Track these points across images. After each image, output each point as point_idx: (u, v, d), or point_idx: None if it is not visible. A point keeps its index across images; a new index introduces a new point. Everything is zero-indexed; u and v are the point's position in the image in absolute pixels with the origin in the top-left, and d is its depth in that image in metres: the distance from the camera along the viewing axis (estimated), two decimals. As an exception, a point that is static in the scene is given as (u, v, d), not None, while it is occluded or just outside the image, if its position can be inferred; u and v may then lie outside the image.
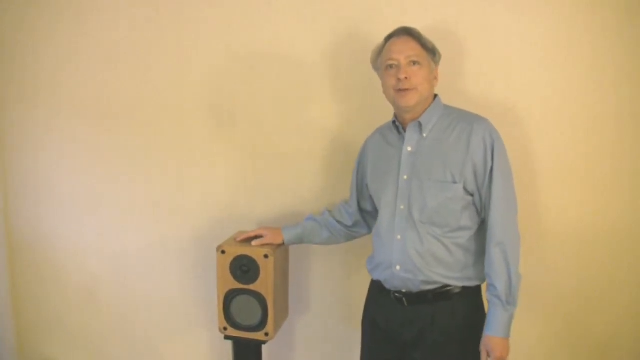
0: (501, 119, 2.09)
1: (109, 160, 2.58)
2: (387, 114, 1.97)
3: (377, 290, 1.90)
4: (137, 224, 2.59)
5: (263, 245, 2.02)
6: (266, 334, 2.05)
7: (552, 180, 2.12)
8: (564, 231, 2.14)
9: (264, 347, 2.16)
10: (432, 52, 1.76)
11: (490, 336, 1.67)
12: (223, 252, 2.02)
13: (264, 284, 2.00)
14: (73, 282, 2.73)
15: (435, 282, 1.73)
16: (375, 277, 1.89)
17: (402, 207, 1.76)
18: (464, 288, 1.75)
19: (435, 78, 1.80)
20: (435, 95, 1.82)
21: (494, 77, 2.11)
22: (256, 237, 2.07)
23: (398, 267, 1.75)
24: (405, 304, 1.78)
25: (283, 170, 2.36)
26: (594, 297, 2.17)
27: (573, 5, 2.02)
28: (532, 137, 2.10)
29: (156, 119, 2.48)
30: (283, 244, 2.08)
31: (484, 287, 1.79)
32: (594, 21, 2.01)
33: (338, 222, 2.09)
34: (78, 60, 2.53)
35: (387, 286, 1.82)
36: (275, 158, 2.37)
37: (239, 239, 2.08)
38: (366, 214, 2.08)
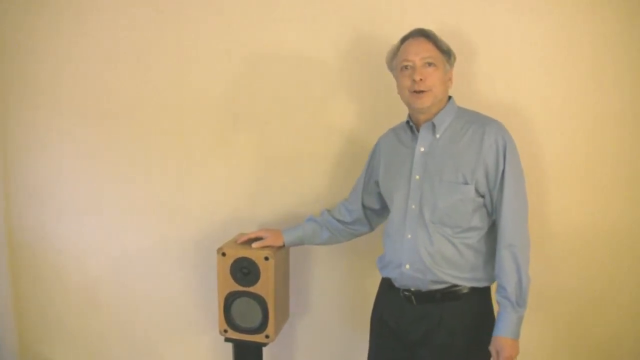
0: (501, 119, 2.09)
1: (110, 161, 2.58)
2: (394, 115, 1.98)
3: (386, 288, 1.91)
4: (138, 225, 2.59)
5: (263, 248, 2.02)
6: (267, 336, 2.05)
7: (552, 181, 2.12)
8: (565, 231, 2.15)
9: (264, 349, 2.16)
10: (447, 54, 1.77)
11: (500, 337, 1.68)
12: (223, 254, 2.02)
13: (264, 286, 2.00)
14: (74, 283, 2.73)
15: (444, 282, 1.74)
16: (385, 275, 1.90)
17: (413, 206, 1.77)
18: (473, 288, 1.76)
19: (450, 80, 1.81)
20: (450, 97, 1.82)
21: (494, 78, 2.11)
22: (257, 239, 2.07)
23: (407, 266, 1.76)
24: (414, 302, 1.79)
25: (285, 172, 2.37)
26: (594, 297, 2.17)
27: (573, 6, 2.02)
28: (533, 137, 2.10)
29: (157, 120, 2.48)
30: (283, 246, 2.08)
31: (493, 288, 1.80)
32: (595, 21, 2.01)
33: (337, 220, 2.10)
34: (79, 61, 2.53)
35: (397, 284, 1.84)
36: (278, 159, 2.37)
37: (239, 241, 2.08)
38: (370, 212, 2.09)
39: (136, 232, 2.60)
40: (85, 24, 2.50)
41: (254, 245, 2.03)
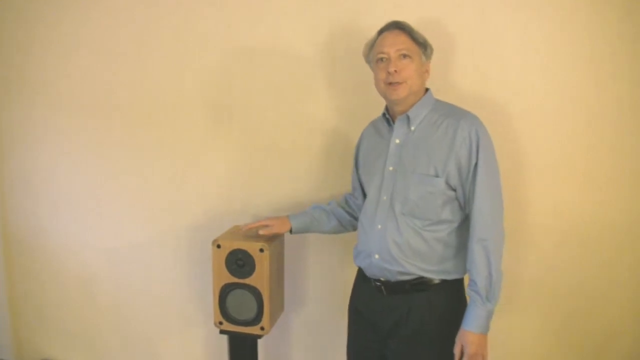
0: (498, 113, 2.09)
1: (105, 156, 2.58)
2: (383, 108, 1.96)
3: (360, 278, 1.94)
4: (133, 219, 2.59)
5: (258, 239, 2.01)
6: (262, 328, 2.05)
7: (552, 178, 2.11)
8: (563, 229, 2.14)
9: (259, 341, 2.15)
10: (423, 45, 1.77)
11: (467, 331, 1.68)
12: (219, 246, 2.02)
13: (259, 278, 2.00)
14: (69, 277, 2.73)
15: (411, 273, 1.75)
16: (357, 264, 1.93)
17: (384, 197, 1.78)
18: (443, 281, 1.76)
19: (427, 71, 1.81)
20: (427, 89, 1.83)
21: (489, 73, 2.10)
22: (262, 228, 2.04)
23: (377, 256, 1.78)
24: (385, 292, 1.81)
25: (280, 165, 2.37)
26: (592, 296, 2.17)
27: (571, 1, 2.01)
28: (532, 134, 2.10)
29: (153, 114, 2.48)
30: (290, 232, 2.06)
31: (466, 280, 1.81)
32: (593, 17, 2.00)
33: (347, 212, 2.10)
34: (76, 57, 2.53)
35: (368, 274, 1.86)
36: (272, 152, 2.37)
37: (245, 228, 2.05)
38: None
39: (131, 225, 2.60)
40: (83, 20, 2.50)
41: (262, 232, 2.00)
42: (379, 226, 1.77)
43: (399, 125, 1.79)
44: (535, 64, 2.06)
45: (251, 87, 2.34)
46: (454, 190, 1.72)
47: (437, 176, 1.70)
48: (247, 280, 2.01)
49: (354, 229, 2.13)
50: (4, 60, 2.63)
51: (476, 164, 1.68)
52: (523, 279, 2.18)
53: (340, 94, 2.25)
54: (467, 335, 1.67)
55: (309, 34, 2.24)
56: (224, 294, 2.05)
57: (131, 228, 2.61)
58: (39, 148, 2.66)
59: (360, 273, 1.93)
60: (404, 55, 1.72)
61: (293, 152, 2.34)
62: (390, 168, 1.78)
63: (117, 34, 2.46)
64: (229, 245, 2.01)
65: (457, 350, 1.69)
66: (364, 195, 2.04)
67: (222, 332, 2.12)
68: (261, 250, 1.97)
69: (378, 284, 1.82)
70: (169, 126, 2.47)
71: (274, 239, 2.07)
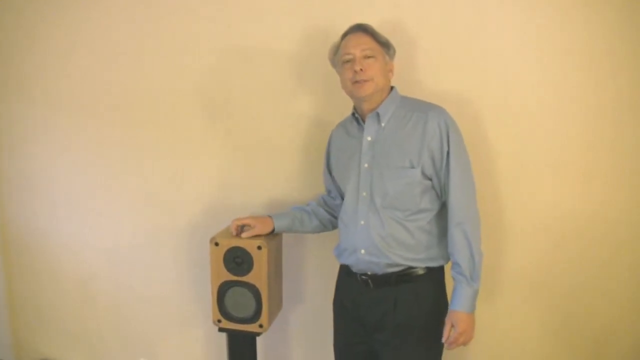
0: (496, 111, 2.08)
1: (105, 156, 2.59)
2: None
3: (344, 273, 1.98)
4: (131, 218, 2.59)
5: (256, 237, 2.01)
6: (260, 326, 2.04)
7: (551, 177, 2.11)
8: (562, 229, 2.13)
9: (258, 338, 2.16)
10: (385, 46, 1.85)
11: (456, 311, 1.75)
12: (216, 244, 2.01)
13: (257, 276, 2.00)
14: (68, 277, 2.73)
15: (398, 265, 1.80)
16: (342, 262, 1.96)
17: (364, 194, 1.83)
18: (428, 270, 1.82)
19: (391, 71, 1.89)
20: (392, 87, 1.89)
21: (488, 72, 2.10)
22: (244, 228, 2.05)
23: (363, 251, 1.82)
24: (371, 286, 1.85)
25: (278, 164, 2.37)
26: (592, 295, 2.16)
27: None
28: (531, 133, 2.10)
29: (152, 114, 2.48)
30: (273, 231, 2.07)
31: (446, 268, 1.86)
32: (590, 14, 2.00)
33: (327, 212, 2.14)
34: (75, 57, 2.54)
35: (354, 270, 1.90)
36: (271, 151, 2.37)
37: (233, 227, 2.05)
38: None
39: (131, 225, 2.61)
40: (81, 19, 2.50)
41: (244, 235, 2.02)
42: (362, 222, 1.82)
43: (369, 123, 1.85)
44: (534, 64, 2.06)
45: (250, 86, 2.35)
46: (430, 179, 1.78)
47: (412, 167, 1.76)
48: (245, 278, 2.01)
49: (334, 227, 2.16)
50: (4, 60, 2.64)
51: (448, 152, 1.76)
52: (523, 279, 2.18)
53: (339, 94, 2.24)
54: (457, 314, 1.74)
55: (307, 35, 2.25)
56: (222, 291, 2.05)
57: (131, 228, 2.61)
58: (39, 148, 2.67)
59: (344, 268, 1.97)
60: (368, 56, 1.80)
61: (291, 151, 2.34)
62: (366, 165, 1.84)
63: (117, 34, 2.46)
64: (227, 243, 2.00)
65: (446, 330, 1.76)
66: (340, 194, 2.07)
67: (220, 329, 2.11)
68: (259, 247, 1.97)
69: (364, 277, 1.86)
70: (169, 126, 2.47)
71: (273, 237, 2.07)
